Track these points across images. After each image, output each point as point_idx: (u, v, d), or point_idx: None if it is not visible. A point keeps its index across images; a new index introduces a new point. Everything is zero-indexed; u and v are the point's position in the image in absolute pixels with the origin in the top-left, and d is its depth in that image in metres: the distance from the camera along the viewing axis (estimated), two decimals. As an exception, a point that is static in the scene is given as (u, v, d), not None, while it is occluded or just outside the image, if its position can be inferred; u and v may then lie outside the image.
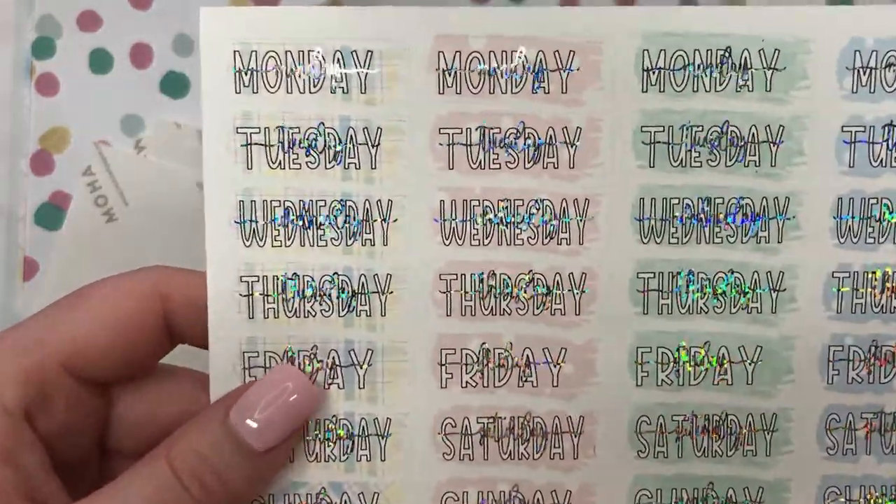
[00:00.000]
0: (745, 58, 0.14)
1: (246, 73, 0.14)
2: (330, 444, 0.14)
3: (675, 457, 0.14)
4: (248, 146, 0.14)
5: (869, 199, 0.14)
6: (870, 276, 0.14)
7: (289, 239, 0.14)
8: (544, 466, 0.14)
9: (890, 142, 0.14)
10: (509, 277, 0.14)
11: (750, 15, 0.14)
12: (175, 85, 0.25)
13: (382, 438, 0.14)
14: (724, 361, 0.14)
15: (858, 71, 0.14)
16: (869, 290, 0.14)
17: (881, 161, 0.14)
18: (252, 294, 0.14)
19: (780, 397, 0.14)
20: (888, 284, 0.14)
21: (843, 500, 0.14)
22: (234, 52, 0.13)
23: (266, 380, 0.13)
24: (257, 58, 0.14)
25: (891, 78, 0.14)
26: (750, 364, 0.14)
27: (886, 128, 0.14)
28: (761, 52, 0.14)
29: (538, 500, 0.14)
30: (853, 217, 0.14)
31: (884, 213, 0.14)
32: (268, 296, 0.14)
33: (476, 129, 0.14)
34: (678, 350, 0.14)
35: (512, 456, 0.14)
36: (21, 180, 0.25)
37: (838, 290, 0.14)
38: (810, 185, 0.14)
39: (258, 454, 0.12)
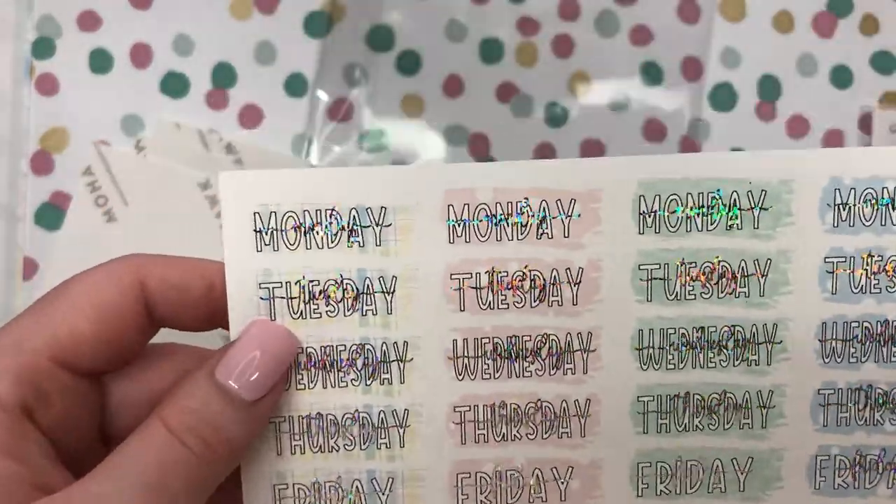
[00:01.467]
0: (735, 199, 0.19)
1: (266, 233, 0.18)
2: None
3: None
4: (271, 300, 0.19)
5: (851, 322, 0.19)
6: (854, 392, 0.19)
7: (311, 382, 0.19)
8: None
9: (869, 270, 0.19)
10: (519, 406, 0.19)
11: (738, 160, 0.19)
12: (175, 85, 0.28)
13: None
14: (718, 472, 0.20)
15: (839, 207, 0.19)
16: (852, 405, 0.20)
17: (861, 288, 0.19)
18: (279, 433, 0.19)
19: (769, 502, 0.20)
20: (870, 399, 0.19)
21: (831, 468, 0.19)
22: (255, 213, 0.18)
23: (246, 335, 0.16)
24: (276, 218, 0.18)
25: (868, 213, 0.19)
26: (742, 474, 0.20)
27: (865, 257, 0.19)
28: (749, 193, 0.19)
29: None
30: (836, 339, 0.19)
31: (865, 335, 0.19)
32: (294, 434, 0.19)
33: (485, 273, 0.19)
34: (676, 464, 0.20)
35: None
36: (21, 180, 0.28)
37: (824, 405, 0.20)
38: (796, 311, 0.19)
39: (249, 404, 0.15)
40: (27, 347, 0.15)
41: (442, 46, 0.29)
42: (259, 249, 0.18)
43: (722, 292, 0.18)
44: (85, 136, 0.28)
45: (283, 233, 0.17)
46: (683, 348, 0.18)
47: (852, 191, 0.18)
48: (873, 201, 0.18)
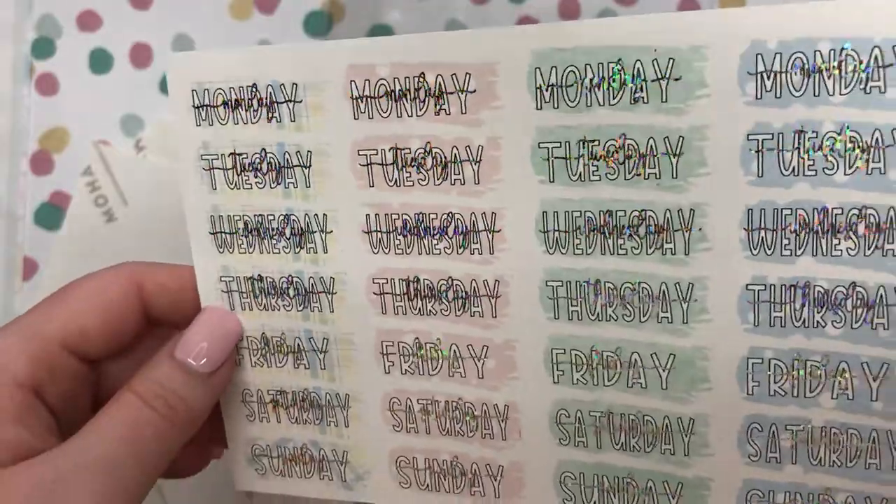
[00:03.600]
0: (639, 69, 0.24)
1: (202, 109, 0.28)
2: (305, 410, 0.30)
3: (594, 447, 0.27)
4: (211, 170, 0.29)
5: (782, 209, 0.24)
6: (788, 288, 0.24)
7: (250, 248, 0.29)
8: (478, 443, 0.29)
9: (802, 149, 0.23)
10: (432, 282, 0.28)
11: (640, 24, 0.23)
12: None
13: (344, 410, 0.30)
14: (637, 366, 0.26)
15: (762, 75, 0.23)
16: (787, 304, 0.25)
17: (793, 170, 0.23)
18: (230, 291, 0.30)
19: (695, 404, 0.26)
20: (809, 297, 0.24)
21: (765, 502, 0.26)
22: (192, 91, 0.28)
23: (198, 319, 0.25)
24: (209, 95, 0.28)
25: (798, 81, 0.23)
26: (664, 371, 0.26)
27: (797, 134, 0.23)
28: (655, 62, 0.23)
29: (475, 470, 0.29)
30: (765, 228, 0.24)
31: (799, 224, 0.24)
32: (242, 293, 0.30)
33: (389, 150, 0.27)
34: (591, 353, 0.27)
35: (450, 432, 0.29)
36: (21, 180, 0.35)
37: (754, 302, 0.25)
38: (715, 196, 0.24)
39: (206, 376, 0.24)
40: (42, 334, 0.23)
41: None
42: (198, 124, 0.27)
43: (629, 173, 0.23)
44: (85, 135, 0.36)
45: (215, 108, 0.27)
46: (591, 232, 0.24)
47: (778, 56, 0.21)
48: (804, 67, 0.21)
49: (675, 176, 0.21)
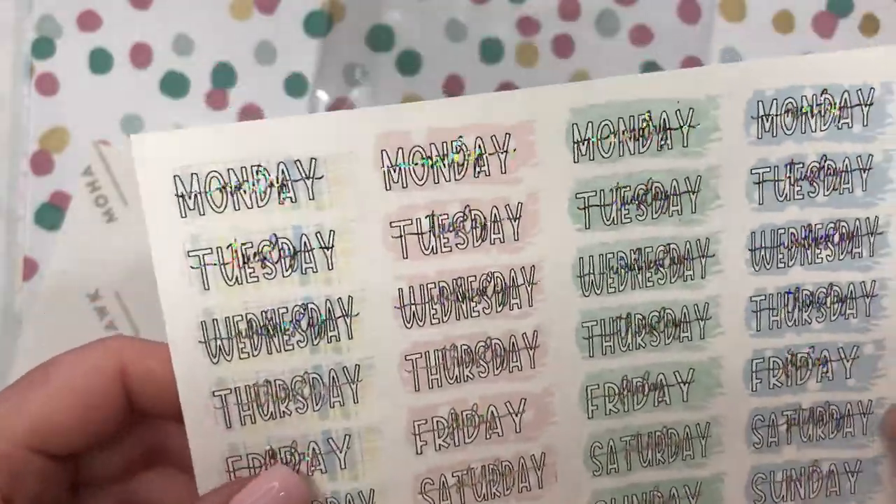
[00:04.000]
0: (664, 119, 0.28)
1: (190, 197, 0.26)
2: None
3: (624, 470, 0.31)
4: (202, 267, 0.26)
5: (778, 230, 0.30)
6: (782, 295, 0.30)
7: (255, 350, 0.27)
8: (514, 500, 0.30)
9: (792, 178, 0.29)
10: (469, 346, 0.29)
11: (665, 80, 0.27)
12: (175, 85, 0.38)
13: None
14: (662, 386, 0.30)
15: (762, 118, 0.29)
16: (782, 308, 0.30)
17: (785, 196, 0.29)
18: (227, 406, 0.27)
19: (711, 409, 0.31)
20: (798, 300, 0.30)
21: (767, 483, 0.31)
22: (175, 177, 0.26)
23: (263, 476, 0.23)
24: (199, 180, 0.26)
25: (789, 121, 0.29)
26: (685, 385, 0.30)
27: (788, 166, 0.29)
28: (678, 112, 0.28)
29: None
30: (765, 247, 0.30)
31: (791, 240, 0.30)
32: (242, 405, 0.27)
33: (426, 218, 0.27)
34: (623, 382, 0.30)
35: (486, 497, 0.30)
36: (21, 180, 0.37)
37: (757, 311, 0.30)
38: (727, 224, 0.29)
39: None
40: (5, 439, 0.21)
41: (442, 46, 0.38)
42: (184, 215, 0.24)
43: (656, 213, 0.27)
44: (85, 135, 0.37)
45: (208, 195, 0.24)
46: (623, 271, 0.28)
47: (774, 101, 0.27)
48: (794, 109, 0.27)
49: (693, 211, 0.27)
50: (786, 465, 0.29)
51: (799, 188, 0.27)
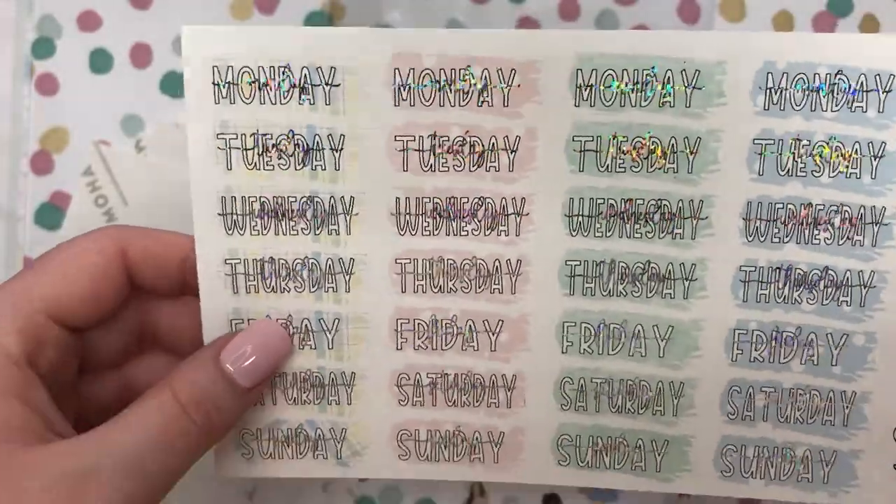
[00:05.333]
0: (668, 77, 0.31)
1: (224, 86, 0.32)
2: (306, 391, 0.35)
3: (592, 411, 0.35)
4: (228, 150, 0.33)
5: (775, 203, 0.32)
6: (774, 270, 0.33)
7: (265, 229, 0.33)
8: (483, 413, 0.35)
9: (796, 154, 0.32)
10: (455, 262, 0.33)
11: (674, 39, 0.31)
12: (175, 85, 0.39)
13: (348, 387, 0.34)
14: (639, 337, 0.34)
15: (770, 90, 0.31)
16: (772, 283, 0.33)
17: (788, 170, 0.32)
18: (235, 274, 0.34)
19: (687, 370, 0.34)
20: (790, 278, 0.33)
21: (737, 454, 0.34)
22: (213, 67, 0.31)
23: (249, 329, 0.29)
24: (233, 72, 0.32)
25: (799, 97, 0.31)
26: (662, 341, 0.34)
27: (794, 141, 0.32)
28: (683, 72, 0.31)
29: (477, 437, 0.35)
30: (760, 219, 0.32)
31: (788, 216, 0.32)
32: (248, 275, 0.34)
33: (428, 137, 0.32)
34: (598, 325, 0.34)
35: (456, 404, 0.35)
36: (21, 180, 0.39)
37: (745, 282, 0.33)
38: (722, 190, 0.32)
39: (245, 390, 0.27)
40: (27, 305, 0.25)
41: None
42: (217, 102, 0.30)
43: (651, 167, 0.30)
44: (85, 135, 0.39)
45: (239, 87, 0.30)
46: (612, 218, 0.31)
47: (785, 75, 0.29)
48: (805, 86, 0.30)
49: (690, 171, 0.29)
50: (759, 441, 0.32)
51: (803, 165, 0.29)
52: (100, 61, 0.40)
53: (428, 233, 0.30)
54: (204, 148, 0.29)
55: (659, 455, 0.32)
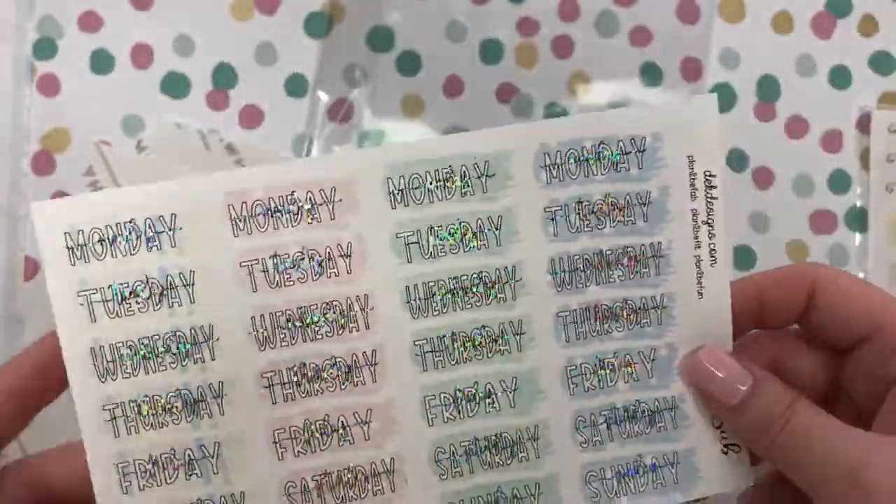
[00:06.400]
0: (464, 171, 0.39)
1: (77, 249, 0.37)
2: None
3: (468, 473, 0.41)
4: (89, 304, 0.38)
5: (573, 255, 0.40)
6: (584, 310, 0.41)
7: (135, 371, 0.38)
8: (369, 502, 0.40)
9: (581, 213, 0.40)
10: (317, 364, 0.39)
11: (464, 139, 0.38)
12: (175, 85, 0.42)
13: None
14: (492, 394, 0.41)
15: (549, 167, 0.40)
16: (585, 320, 0.41)
17: (577, 228, 0.40)
18: (115, 418, 0.38)
19: (538, 413, 0.41)
20: (599, 313, 0.41)
21: (600, 479, 0.41)
22: (65, 233, 0.37)
23: None
24: (84, 235, 0.37)
25: (574, 168, 0.40)
26: (511, 393, 0.41)
27: (576, 204, 0.40)
28: (475, 165, 0.39)
29: None
30: (564, 271, 0.40)
31: (585, 264, 0.40)
32: (127, 417, 0.38)
33: (270, 259, 0.38)
34: (455, 393, 0.40)
35: (343, 500, 0.40)
36: (22, 180, 0.41)
37: (564, 325, 0.41)
38: (528, 254, 0.39)
39: None
40: None
41: (442, 47, 0.42)
42: (73, 263, 0.36)
43: (467, 247, 0.38)
44: (86, 136, 0.42)
45: (91, 247, 0.36)
46: (445, 295, 0.38)
47: (558, 153, 0.38)
48: (576, 158, 0.39)
49: (498, 244, 0.37)
50: (613, 461, 0.38)
51: (588, 221, 0.37)
52: (101, 62, 0.43)
53: (286, 343, 0.36)
54: (68, 308, 0.34)
55: (535, 499, 0.38)
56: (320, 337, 0.36)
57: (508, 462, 0.38)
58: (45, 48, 0.43)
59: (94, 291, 0.34)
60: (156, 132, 0.42)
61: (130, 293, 0.34)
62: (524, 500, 0.38)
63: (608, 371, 0.38)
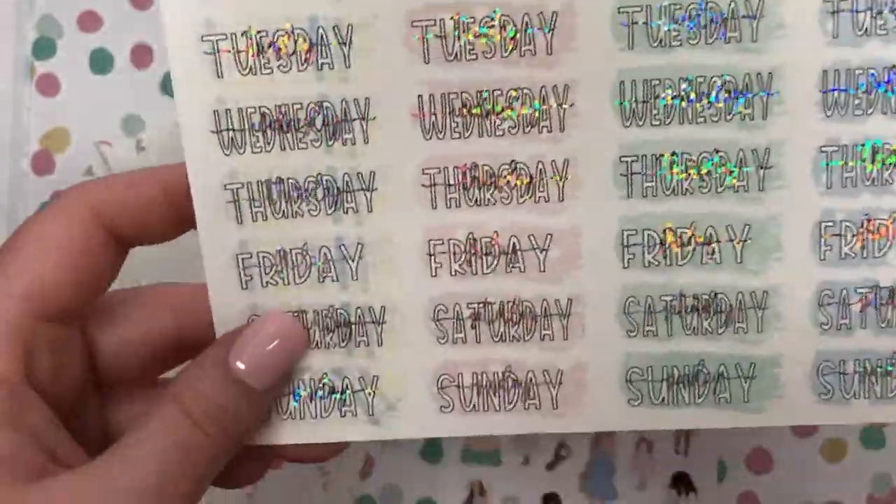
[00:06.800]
0: None
1: None
2: (329, 332, 0.32)
3: (664, 335, 0.32)
4: (216, 53, 0.30)
5: (855, 69, 0.30)
6: (859, 148, 0.30)
7: (268, 144, 0.31)
8: (536, 348, 0.32)
9: (874, 9, 0.29)
10: (492, 167, 0.31)
11: None
12: None
13: (378, 325, 0.32)
14: (712, 241, 0.31)
15: None
16: (859, 162, 0.30)
17: (865, 29, 0.29)
18: (238, 200, 0.31)
19: (770, 274, 0.31)
20: (878, 156, 0.30)
21: (837, 373, 0.32)
22: None
23: (258, 323, 0.26)
24: None
25: None
26: (738, 243, 0.31)
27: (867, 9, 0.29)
28: None
29: (531, 378, 0.32)
30: (839, 90, 0.30)
31: (871, 84, 0.29)
32: (254, 200, 0.31)
33: (450, 19, 0.30)
34: (664, 232, 0.31)
35: (503, 338, 0.32)
36: (22, 180, 0.43)
37: (827, 164, 0.30)
38: (793, 58, 0.29)
39: (259, 393, 0.25)
40: (8, 311, 0.24)
41: None
42: None
43: (711, 37, 0.28)
44: (86, 136, 0.43)
45: None
46: (671, 100, 0.29)
47: None
48: None
49: (754, 39, 0.27)
50: (860, 353, 0.30)
51: (882, 21, 0.28)
52: (100, 61, 0.43)
53: (458, 134, 0.29)
54: (188, 56, 0.28)
55: (746, 381, 0.30)
56: (501, 133, 0.29)
57: (720, 330, 0.30)
58: (44, 48, 0.43)
59: (223, 37, 0.28)
60: (156, 132, 0.43)
61: (269, 45, 0.26)
62: (731, 381, 0.30)
63: (878, 236, 0.29)
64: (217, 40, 0.28)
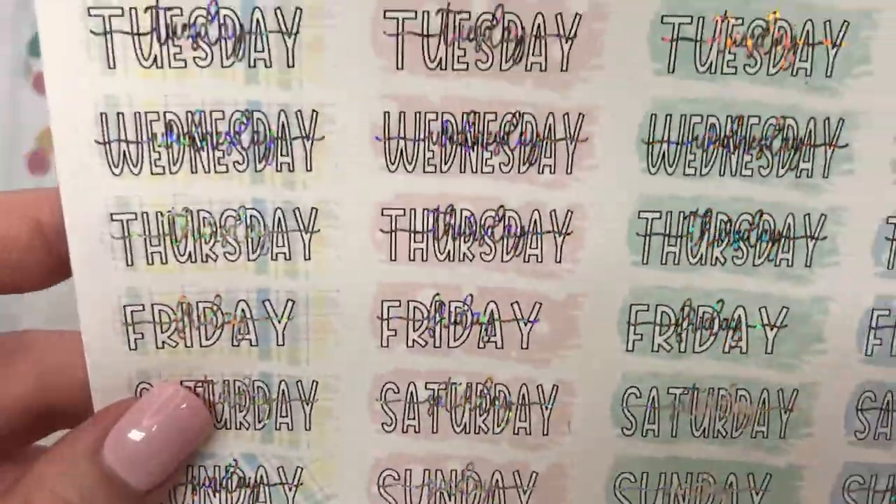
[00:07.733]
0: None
1: None
2: (242, 409, 0.23)
3: (667, 436, 0.24)
4: (107, 34, 0.21)
5: None
6: None
7: (174, 163, 0.22)
8: (506, 443, 0.24)
9: None
10: (474, 213, 0.23)
11: None
12: None
13: (307, 404, 0.23)
14: (740, 325, 0.24)
15: None
16: None
17: None
18: (129, 236, 0.22)
19: (805, 369, 0.24)
20: None
21: (865, 489, 0.25)
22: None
23: (146, 401, 0.20)
24: None
25: None
26: (772, 329, 0.24)
27: None
28: None
29: (497, 481, 0.24)
30: None
31: None
32: (151, 237, 0.22)
33: (436, 13, 0.21)
34: (682, 309, 0.23)
35: (467, 429, 0.24)
36: (18, 179, 0.41)
37: (892, 239, 0.23)
38: (874, 103, 0.22)
39: (140, 495, 0.19)
40: None
41: None
42: None
43: (774, 66, 0.21)
44: None
45: None
46: (711, 145, 0.21)
47: None
48: None
49: (829, 74, 0.21)
50: (894, 468, 0.24)
51: None
52: None
53: (433, 168, 0.21)
54: (69, 32, 0.20)
55: (758, 494, 0.24)
56: (489, 169, 0.23)
57: (735, 435, 0.24)
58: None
59: (119, 12, 0.21)
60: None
61: (183, 26, 0.19)
62: (740, 493, 0.24)
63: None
64: (109, 16, 0.20)
